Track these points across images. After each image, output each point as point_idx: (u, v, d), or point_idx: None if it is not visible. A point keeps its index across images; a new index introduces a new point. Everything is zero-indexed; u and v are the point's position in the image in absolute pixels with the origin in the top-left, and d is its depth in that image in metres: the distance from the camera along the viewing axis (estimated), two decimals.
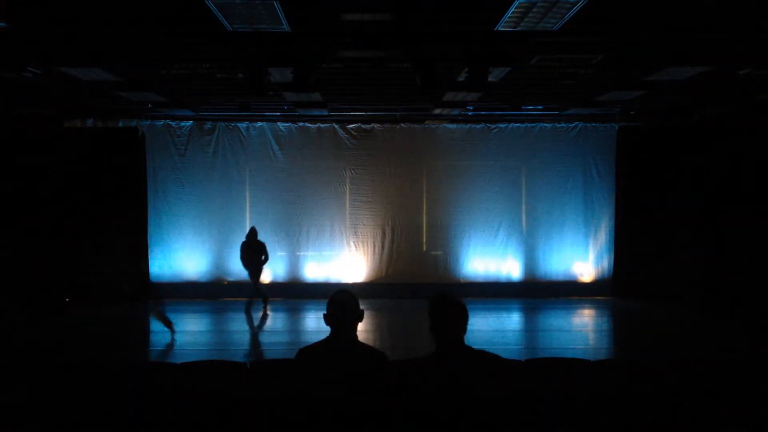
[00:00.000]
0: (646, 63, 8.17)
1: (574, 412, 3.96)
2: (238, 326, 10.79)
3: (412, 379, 3.07)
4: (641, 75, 8.76)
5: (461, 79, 8.60)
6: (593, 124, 12.78)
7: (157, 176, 12.56)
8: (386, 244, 12.83)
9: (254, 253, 11.17)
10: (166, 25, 6.70)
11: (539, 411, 3.67)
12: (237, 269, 12.70)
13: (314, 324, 10.34)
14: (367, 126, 12.82)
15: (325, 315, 3.28)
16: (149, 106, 11.38)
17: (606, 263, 12.91)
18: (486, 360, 3.11)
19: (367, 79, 9.39)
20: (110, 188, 12.04)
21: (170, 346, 8.88)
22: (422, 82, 7.80)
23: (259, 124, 12.69)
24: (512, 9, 5.87)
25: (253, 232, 11.30)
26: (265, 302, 11.28)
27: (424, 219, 12.89)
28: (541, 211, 12.88)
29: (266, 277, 12.70)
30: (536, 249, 12.90)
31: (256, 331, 10.14)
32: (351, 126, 12.79)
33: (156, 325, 10.94)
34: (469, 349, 3.09)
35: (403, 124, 12.83)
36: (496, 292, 12.52)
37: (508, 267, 12.91)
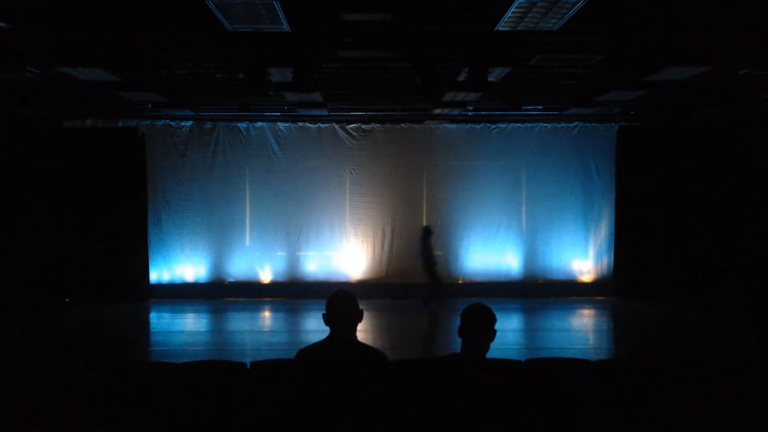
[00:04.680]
0: (646, 63, 8.17)
1: (574, 412, 3.96)
2: (238, 326, 10.80)
3: (430, 377, 3.20)
4: (641, 75, 8.76)
5: (461, 79, 8.60)
6: (593, 124, 12.77)
7: (157, 176, 12.54)
8: (386, 244, 12.82)
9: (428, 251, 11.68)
10: (166, 25, 6.71)
11: (539, 411, 3.67)
12: (236, 269, 12.76)
13: (314, 324, 10.33)
14: (367, 126, 12.82)
15: (324, 315, 3.27)
16: (149, 106, 11.37)
17: (606, 263, 12.90)
18: (501, 368, 3.26)
19: (367, 79, 9.39)
20: (110, 188, 12.02)
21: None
22: (422, 82, 7.80)
23: (259, 124, 12.69)
24: (512, 9, 5.87)
25: (428, 231, 11.84)
26: (431, 299, 11.70)
27: (424, 219, 12.88)
28: (541, 212, 12.87)
29: (267, 276, 12.72)
30: (536, 249, 12.89)
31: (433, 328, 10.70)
32: (351, 126, 12.78)
33: (156, 326, 10.97)
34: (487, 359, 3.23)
35: (403, 124, 12.82)
36: (496, 292, 12.47)
37: (508, 267, 12.90)
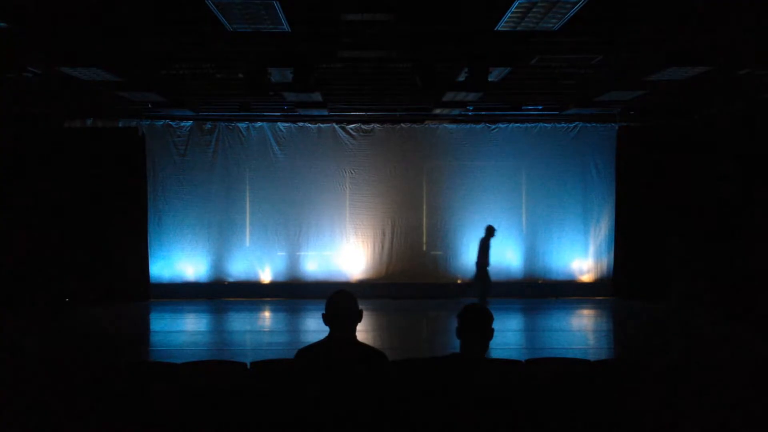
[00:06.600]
0: (646, 63, 8.17)
1: (575, 412, 3.96)
2: (238, 326, 10.80)
3: (429, 377, 3.22)
4: (641, 75, 8.76)
5: (461, 79, 8.60)
6: (593, 124, 12.77)
7: (157, 176, 12.54)
8: (386, 244, 12.82)
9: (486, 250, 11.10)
10: (166, 25, 6.71)
11: (539, 411, 3.67)
12: (236, 269, 12.75)
13: (314, 324, 10.33)
14: (367, 126, 12.82)
15: (324, 315, 3.27)
16: (149, 106, 11.37)
17: (606, 263, 12.90)
18: (501, 368, 3.28)
19: (367, 79, 9.39)
20: (110, 188, 12.01)
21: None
22: (422, 82, 7.81)
23: (259, 124, 12.68)
24: (512, 9, 5.87)
25: (490, 230, 11.15)
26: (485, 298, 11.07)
27: (424, 219, 12.88)
28: (541, 212, 12.87)
29: (267, 276, 12.72)
30: (536, 249, 12.89)
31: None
32: (351, 126, 12.78)
33: (156, 326, 10.97)
34: (487, 359, 3.34)
35: (403, 124, 12.82)
36: (495, 292, 12.46)
37: (508, 267, 12.89)
